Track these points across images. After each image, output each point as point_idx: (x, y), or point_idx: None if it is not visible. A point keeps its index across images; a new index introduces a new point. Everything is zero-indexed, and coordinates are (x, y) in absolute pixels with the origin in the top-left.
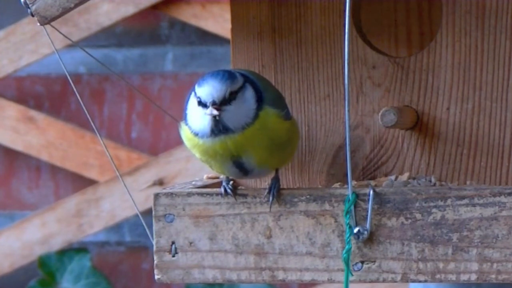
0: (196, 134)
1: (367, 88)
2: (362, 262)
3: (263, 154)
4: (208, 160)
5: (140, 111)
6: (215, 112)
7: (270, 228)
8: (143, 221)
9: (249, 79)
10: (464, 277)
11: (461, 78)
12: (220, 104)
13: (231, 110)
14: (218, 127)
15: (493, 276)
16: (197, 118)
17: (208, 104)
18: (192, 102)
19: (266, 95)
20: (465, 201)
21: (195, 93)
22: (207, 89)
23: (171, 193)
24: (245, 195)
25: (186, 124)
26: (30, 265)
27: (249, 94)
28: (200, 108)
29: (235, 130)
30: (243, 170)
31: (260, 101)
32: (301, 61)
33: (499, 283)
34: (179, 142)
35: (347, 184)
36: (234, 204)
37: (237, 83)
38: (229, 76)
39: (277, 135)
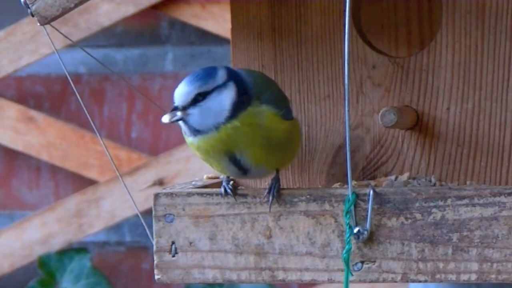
0: (184, 132)
1: (367, 88)
2: (362, 262)
3: (258, 152)
4: (206, 157)
5: (140, 111)
6: (172, 118)
7: (270, 228)
8: (143, 221)
9: (237, 77)
10: (464, 277)
11: (461, 78)
12: (184, 108)
13: (195, 112)
14: (190, 129)
15: (493, 276)
16: None
17: (172, 108)
18: None
19: (262, 94)
20: (465, 201)
21: None
22: (175, 93)
23: (171, 193)
24: (245, 195)
25: None
26: (30, 265)
27: (227, 93)
28: None
29: (206, 130)
30: (241, 168)
31: (247, 99)
32: (301, 61)
33: (499, 283)
34: (179, 142)
35: (347, 184)
36: (234, 204)
37: (211, 83)
38: (201, 76)
39: (274, 134)
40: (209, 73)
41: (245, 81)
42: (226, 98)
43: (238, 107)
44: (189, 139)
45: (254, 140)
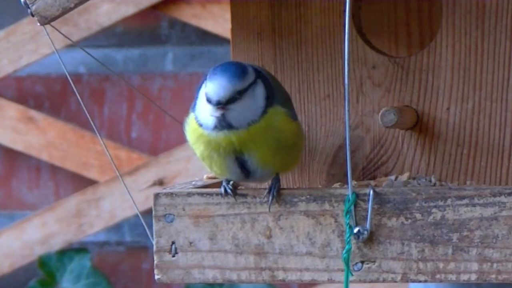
0: (200, 125)
1: (367, 88)
2: (362, 262)
3: (267, 153)
4: (210, 154)
5: (140, 111)
6: (217, 114)
7: (270, 228)
8: (143, 221)
9: (261, 76)
10: (464, 277)
11: (461, 78)
12: (226, 103)
13: (236, 109)
14: (222, 124)
15: (493, 276)
16: (203, 112)
17: (213, 103)
18: (202, 94)
19: (276, 94)
20: (465, 201)
21: (206, 85)
22: (215, 87)
23: (171, 193)
24: (245, 195)
25: (194, 113)
26: (30, 265)
27: (258, 91)
28: (207, 104)
29: (239, 127)
30: (245, 170)
31: (270, 98)
32: (301, 61)
33: (499, 283)
34: (179, 142)
35: (347, 184)
36: (234, 204)
37: (247, 80)
38: (240, 73)
39: (283, 135)
40: (242, 69)
41: (267, 79)
42: (259, 95)
43: (266, 105)
44: (204, 131)
45: (266, 141)
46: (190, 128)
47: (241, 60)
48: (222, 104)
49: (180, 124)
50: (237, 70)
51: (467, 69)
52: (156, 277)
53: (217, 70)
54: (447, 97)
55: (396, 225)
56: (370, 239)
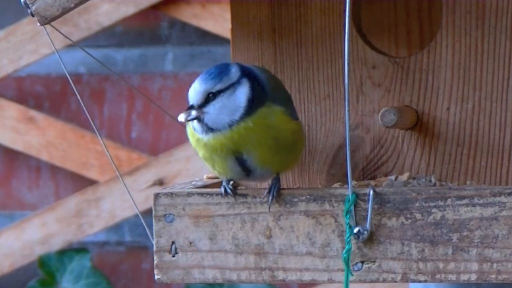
0: (194, 129)
1: (367, 88)
2: (362, 262)
3: (266, 152)
4: (212, 155)
5: (140, 111)
6: (191, 117)
7: (270, 228)
8: (143, 221)
9: (251, 75)
10: (464, 277)
11: (461, 78)
12: (200, 106)
13: (210, 111)
14: (203, 127)
15: (493, 276)
16: None
17: (188, 107)
18: None
19: (274, 93)
20: (465, 201)
21: None
22: (190, 91)
23: (171, 193)
24: (245, 195)
25: None
26: (30, 265)
27: (240, 91)
28: None
29: (220, 129)
30: (245, 169)
31: (259, 98)
32: (301, 61)
33: (499, 283)
34: (179, 142)
35: (347, 184)
36: (234, 204)
37: (224, 82)
38: (215, 74)
39: (282, 134)
40: (222, 70)
41: (259, 78)
42: (240, 95)
43: (253, 104)
44: (199, 136)
45: (264, 141)
46: (190, 132)
47: (241, 60)
48: (194, 108)
49: (180, 124)
50: (213, 72)
51: (467, 69)
52: (156, 277)
53: (200, 75)
54: (447, 97)
55: (396, 225)
56: (370, 239)
